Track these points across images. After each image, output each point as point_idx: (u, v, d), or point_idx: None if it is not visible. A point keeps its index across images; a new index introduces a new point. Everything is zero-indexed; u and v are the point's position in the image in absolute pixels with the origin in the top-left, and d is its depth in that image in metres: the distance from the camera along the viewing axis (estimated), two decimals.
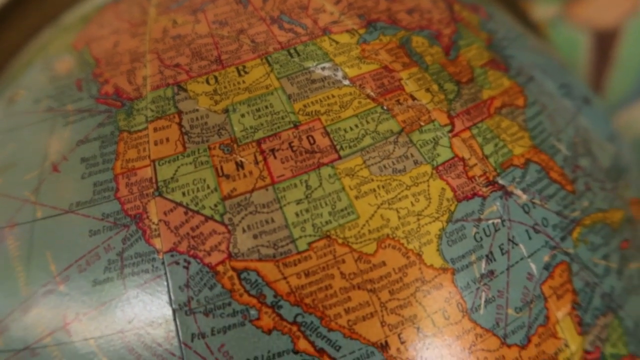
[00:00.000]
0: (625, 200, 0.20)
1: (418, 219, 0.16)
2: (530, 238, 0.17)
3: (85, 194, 0.16)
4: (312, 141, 0.16)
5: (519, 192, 0.17)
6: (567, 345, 0.16)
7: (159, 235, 0.15)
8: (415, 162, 0.16)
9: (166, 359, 0.15)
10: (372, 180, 0.16)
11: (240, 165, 0.16)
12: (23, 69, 0.23)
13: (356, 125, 0.17)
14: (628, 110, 0.46)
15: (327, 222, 0.15)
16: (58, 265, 0.16)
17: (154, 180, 0.16)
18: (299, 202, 0.16)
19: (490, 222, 0.16)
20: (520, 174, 0.17)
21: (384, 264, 0.15)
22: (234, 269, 0.15)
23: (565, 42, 0.47)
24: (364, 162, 0.16)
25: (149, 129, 0.17)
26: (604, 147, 0.21)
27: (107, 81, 0.18)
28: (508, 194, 0.17)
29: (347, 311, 0.15)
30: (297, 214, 0.15)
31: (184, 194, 0.16)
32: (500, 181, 0.17)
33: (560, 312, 0.17)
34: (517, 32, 0.23)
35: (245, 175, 0.16)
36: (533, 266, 0.17)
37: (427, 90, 0.18)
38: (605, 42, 0.47)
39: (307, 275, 0.15)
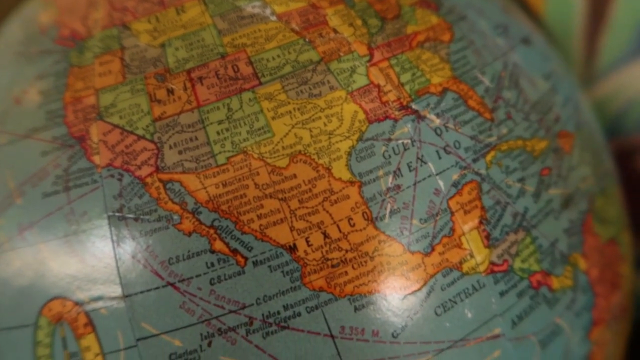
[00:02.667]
0: (553, 132, 0.21)
1: (329, 138, 0.17)
2: (440, 158, 0.18)
3: (40, 121, 0.19)
4: (236, 69, 0.18)
5: (432, 116, 0.18)
6: (472, 256, 0.18)
7: (98, 153, 0.17)
8: (331, 88, 0.18)
9: (101, 258, 0.17)
10: (289, 103, 0.18)
11: (170, 92, 0.18)
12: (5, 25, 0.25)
13: (278, 56, 0.18)
14: (621, 72, 0.46)
15: (244, 140, 0.17)
16: (16, 182, 0.18)
17: (96, 106, 0.18)
18: (220, 122, 0.17)
19: (400, 142, 0.18)
20: (435, 101, 0.19)
21: (294, 176, 0.17)
22: (160, 180, 0.17)
23: (560, 5, 0.47)
24: (283, 87, 0.18)
25: (95, 63, 0.19)
26: (536, 82, 0.22)
27: (65, 25, 0.20)
28: (421, 117, 0.18)
29: (259, 217, 0.17)
30: (218, 133, 0.17)
31: (120, 117, 0.18)
32: (414, 106, 0.18)
33: (467, 225, 0.18)
34: None
35: (174, 100, 0.18)
36: (441, 183, 0.18)
37: (351, 24, 0.19)
38: (599, 4, 0.47)
39: (224, 185, 0.17)
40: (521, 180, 0.19)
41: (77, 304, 0.17)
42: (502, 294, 0.18)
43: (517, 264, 0.19)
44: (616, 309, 0.22)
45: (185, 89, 0.18)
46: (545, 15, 0.46)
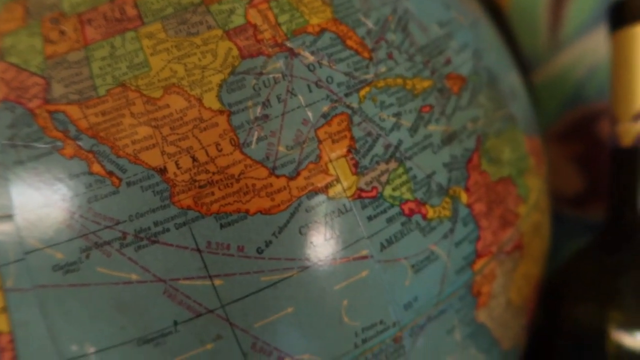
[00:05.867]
0: (440, 74, 0.22)
1: (203, 71, 0.19)
2: (310, 91, 0.19)
3: None
4: (122, 12, 0.19)
5: (306, 53, 0.20)
6: (338, 182, 0.19)
7: None
8: (209, 27, 0.19)
9: None
10: (167, 41, 0.19)
11: (62, 33, 0.19)
12: None
13: None
14: (584, 39, 0.46)
15: (124, 74, 0.19)
16: None
17: None
18: (103, 58, 0.19)
19: (271, 76, 0.19)
20: (311, 40, 0.20)
21: (167, 106, 0.18)
22: (47, 111, 0.18)
23: None
24: (163, 27, 0.19)
25: (2, 11, 0.21)
26: (427, 28, 0.23)
27: None
28: (294, 54, 0.19)
29: (133, 142, 0.18)
30: (100, 68, 0.19)
31: (18, 57, 0.19)
32: (288, 44, 0.20)
33: (334, 153, 0.19)
34: None
35: (65, 40, 0.19)
36: (310, 114, 0.19)
37: None
38: None
39: (103, 114, 0.18)
40: (397, 115, 0.20)
41: None
42: (369, 218, 0.19)
43: (388, 191, 0.20)
44: (507, 245, 0.23)
45: (75, 30, 0.19)
46: None
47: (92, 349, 0.18)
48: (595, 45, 0.46)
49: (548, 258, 0.35)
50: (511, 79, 0.27)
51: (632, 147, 0.26)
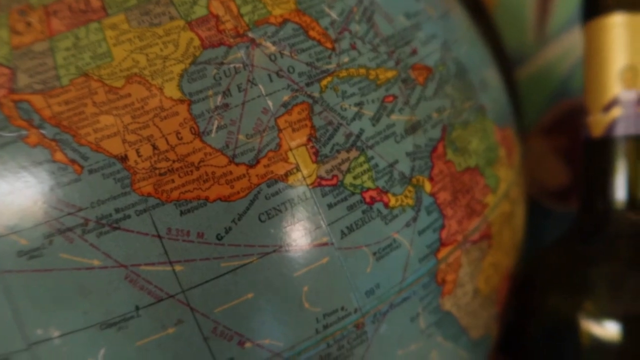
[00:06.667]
0: (405, 64, 0.22)
1: (164, 61, 0.19)
2: (271, 81, 0.20)
3: None
4: (87, 3, 0.20)
5: (267, 44, 0.20)
6: (298, 170, 0.19)
7: None
8: (171, 18, 0.20)
9: None
10: (130, 31, 0.19)
11: (28, 24, 0.20)
12: None
13: None
14: (570, 34, 0.46)
15: (87, 64, 0.19)
16: None
17: None
18: (67, 49, 0.19)
19: (232, 65, 0.19)
20: (273, 30, 0.20)
21: (129, 95, 0.19)
22: (12, 100, 0.19)
23: None
24: (126, 17, 0.20)
25: None
26: (393, 19, 0.23)
27: None
28: (256, 44, 0.20)
29: (95, 131, 0.18)
30: (64, 58, 0.19)
31: None
32: (250, 34, 0.20)
33: (295, 142, 0.19)
34: None
35: (31, 32, 0.20)
36: (270, 103, 0.19)
37: None
38: None
39: (66, 103, 0.19)
40: (359, 104, 0.21)
41: None
42: (330, 206, 0.20)
43: (348, 179, 0.20)
44: (473, 234, 0.23)
45: (41, 21, 0.20)
46: None
47: (56, 333, 0.18)
48: (580, 40, 0.46)
49: (530, 250, 0.35)
50: (483, 71, 0.27)
51: (603, 137, 0.27)
